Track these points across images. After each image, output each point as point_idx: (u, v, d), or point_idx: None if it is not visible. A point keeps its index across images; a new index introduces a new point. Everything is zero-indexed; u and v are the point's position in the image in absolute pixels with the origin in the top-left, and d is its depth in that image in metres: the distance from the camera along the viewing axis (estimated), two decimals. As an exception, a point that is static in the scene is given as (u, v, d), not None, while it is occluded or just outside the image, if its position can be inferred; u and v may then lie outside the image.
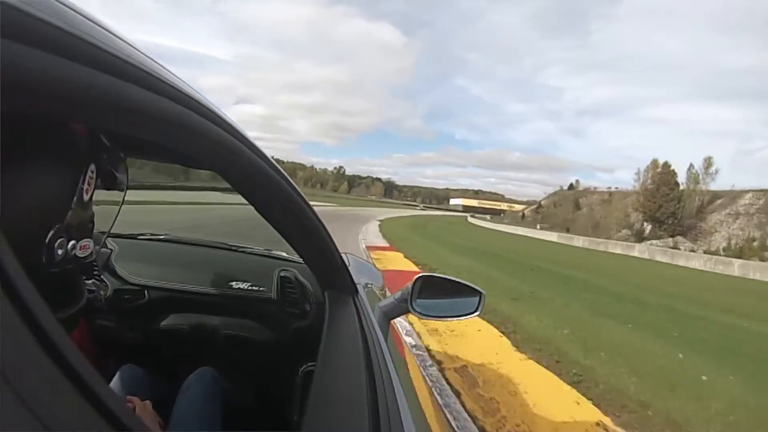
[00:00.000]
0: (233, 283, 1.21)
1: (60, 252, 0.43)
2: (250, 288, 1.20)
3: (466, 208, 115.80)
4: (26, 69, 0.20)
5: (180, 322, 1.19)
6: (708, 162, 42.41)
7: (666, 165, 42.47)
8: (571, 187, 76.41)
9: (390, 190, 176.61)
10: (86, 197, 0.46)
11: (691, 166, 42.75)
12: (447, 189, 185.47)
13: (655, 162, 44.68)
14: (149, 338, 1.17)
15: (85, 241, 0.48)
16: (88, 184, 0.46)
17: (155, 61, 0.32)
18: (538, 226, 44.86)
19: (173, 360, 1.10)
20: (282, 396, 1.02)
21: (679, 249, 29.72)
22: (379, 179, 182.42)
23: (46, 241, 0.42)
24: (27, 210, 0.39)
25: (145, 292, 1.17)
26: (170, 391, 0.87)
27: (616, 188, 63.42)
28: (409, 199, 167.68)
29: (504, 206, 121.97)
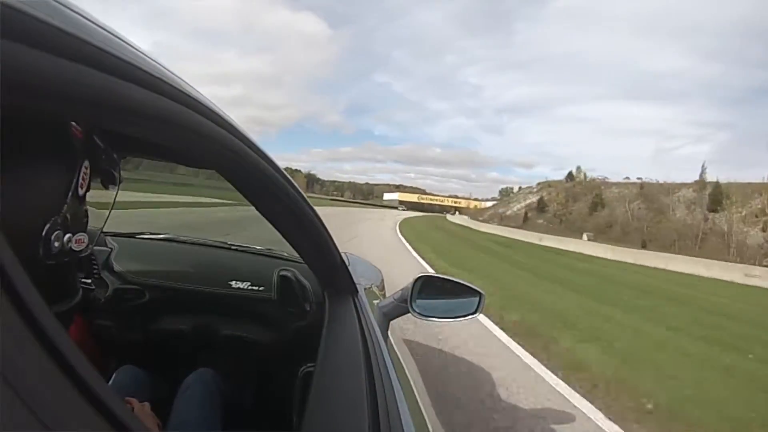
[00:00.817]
0: (233, 283, 1.20)
1: (56, 245, 0.44)
2: (249, 288, 1.20)
3: (404, 204, 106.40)
4: (26, 69, 0.20)
5: (180, 322, 1.19)
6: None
7: None
8: (570, 177, 64.77)
9: (312, 184, 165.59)
10: (81, 192, 0.48)
11: None
12: (368, 183, 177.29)
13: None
14: (149, 338, 1.17)
15: (80, 235, 0.49)
16: (83, 179, 0.48)
17: (155, 61, 0.32)
18: (585, 236, 31.25)
19: (173, 360, 1.10)
20: (281, 396, 1.02)
21: None
22: (299, 171, 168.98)
23: (43, 233, 0.43)
24: (24, 203, 0.40)
25: (145, 291, 1.16)
26: (169, 392, 0.87)
27: (639, 179, 51.51)
28: (334, 193, 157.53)
29: (449, 202, 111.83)
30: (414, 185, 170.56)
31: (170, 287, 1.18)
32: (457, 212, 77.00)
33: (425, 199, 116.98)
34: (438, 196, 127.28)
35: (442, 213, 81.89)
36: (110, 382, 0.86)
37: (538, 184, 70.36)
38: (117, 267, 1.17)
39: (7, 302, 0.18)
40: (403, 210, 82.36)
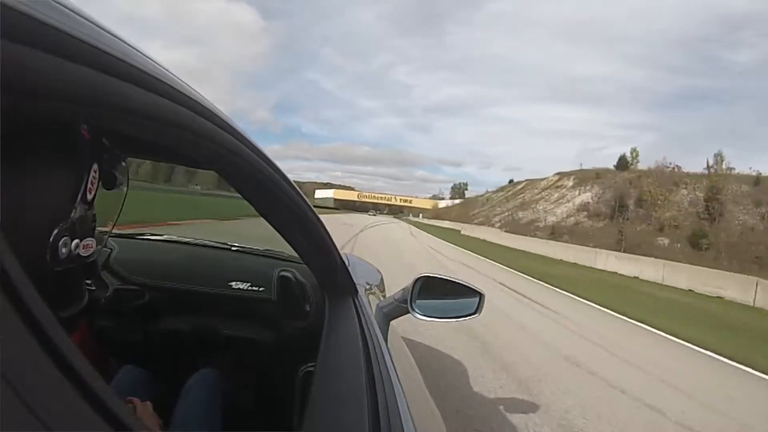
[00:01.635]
0: (233, 283, 1.21)
1: (64, 251, 0.44)
2: (249, 288, 1.20)
3: (340, 203, 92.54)
4: (26, 70, 0.20)
5: (180, 323, 1.19)
6: None
7: None
8: (623, 164, 40.96)
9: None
10: (89, 196, 0.48)
11: None
12: (296, 181, 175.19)
13: None
14: (149, 338, 1.17)
15: (87, 240, 0.49)
16: (91, 184, 0.48)
17: (155, 62, 0.32)
18: None
19: (173, 360, 1.10)
20: (282, 397, 1.02)
21: None
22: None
23: (51, 240, 0.42)
24: (31, 209, 0.40)
25: (145, 291, 1.17)
26: (170, 392, 0.87)
27: (731, 168, 34.26)
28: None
29: (398, 201, 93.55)
30: (341, 183, 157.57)
31: (170, 288, 1.18)
32: (421, 215, 64.61)
33: (366, 198, 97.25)
34: (381, 194, 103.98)
35: (374, 212, 66.93)
36: (112, 382, 0.87)
37: (559, 174, 48.74)
38: (117, 267, 1.17)
39: (7, 302, 0.18)
40: (374, 215, 64.62)
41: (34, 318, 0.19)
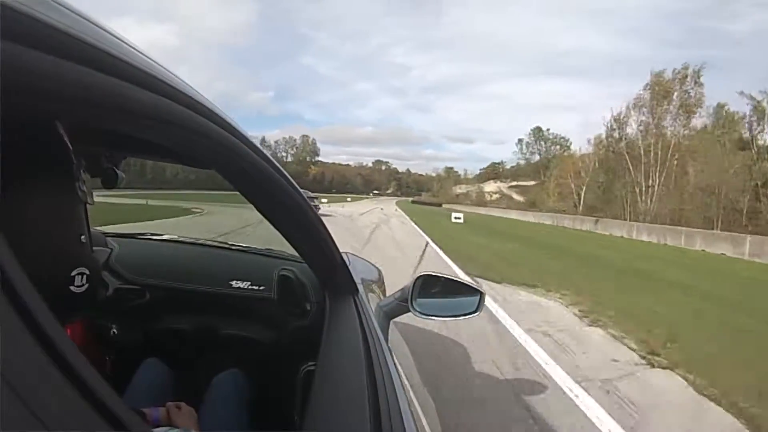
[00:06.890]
0: (233, 283, 1.21)
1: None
2: (250, 287, 1.20)
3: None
4: (26, 70, 0.20)
5: (180, 322, 1.19)
6: None
7: None
8: None
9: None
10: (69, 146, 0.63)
11: None
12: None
13: None
14: (149, 338, 1.17)
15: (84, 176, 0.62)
16: (64, 132, 0.62)
17: (155, 62, 0.32)
18: None
19: (174, 360, 1.10)
20: (282, 396, 1.02)
21: None
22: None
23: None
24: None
25: (146, 291, 1.17)
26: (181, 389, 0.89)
27: None
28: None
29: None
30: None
31: (171, 287, 1.18)
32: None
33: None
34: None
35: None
36: (135, 376, 0.89)
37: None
38: (118, 267, 1.17)
39: (7, 302, 0.18)
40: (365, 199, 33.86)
41: (34, 318, 0.19)
